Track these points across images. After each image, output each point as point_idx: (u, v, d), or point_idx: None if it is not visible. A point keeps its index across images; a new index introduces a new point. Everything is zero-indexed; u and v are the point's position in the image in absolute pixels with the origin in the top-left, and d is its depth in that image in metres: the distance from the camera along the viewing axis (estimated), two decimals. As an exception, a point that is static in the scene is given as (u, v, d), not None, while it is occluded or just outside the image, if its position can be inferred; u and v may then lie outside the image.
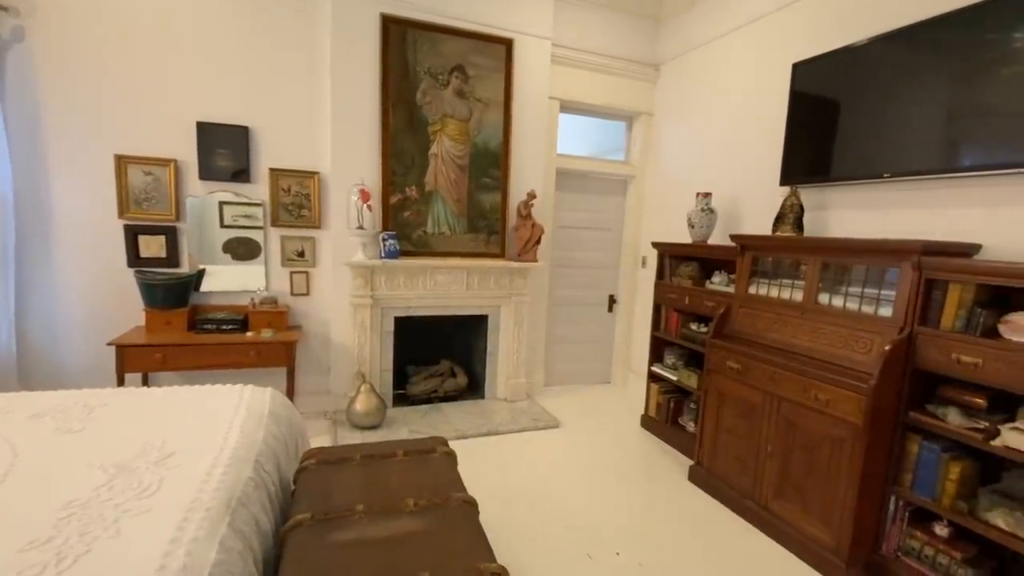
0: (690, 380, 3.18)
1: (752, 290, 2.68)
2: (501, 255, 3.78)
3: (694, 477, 2.83)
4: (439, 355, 4.07)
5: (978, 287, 1.84)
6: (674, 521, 2.46)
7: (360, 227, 3.21)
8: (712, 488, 2.70)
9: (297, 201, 3.37)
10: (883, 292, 2.09)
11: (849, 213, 2.63)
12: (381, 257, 3.36)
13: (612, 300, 4.50)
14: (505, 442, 3.24)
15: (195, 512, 1.22)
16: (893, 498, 2.05)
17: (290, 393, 3.03)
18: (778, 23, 3.09)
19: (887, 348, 1.96)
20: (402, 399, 3.76)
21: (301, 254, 3.44)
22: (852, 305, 2.19)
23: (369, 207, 3.22)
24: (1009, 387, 1.71)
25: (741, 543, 2.31)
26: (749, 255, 2.71)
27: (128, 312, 3.07)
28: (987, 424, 1.82)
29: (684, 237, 3.46)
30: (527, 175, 3.82)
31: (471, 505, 1.61)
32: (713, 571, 2.10)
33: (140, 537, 1.13)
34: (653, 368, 3.55)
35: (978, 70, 2.07)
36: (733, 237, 2.74)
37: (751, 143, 3.24)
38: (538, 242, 3.72)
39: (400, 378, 3.80)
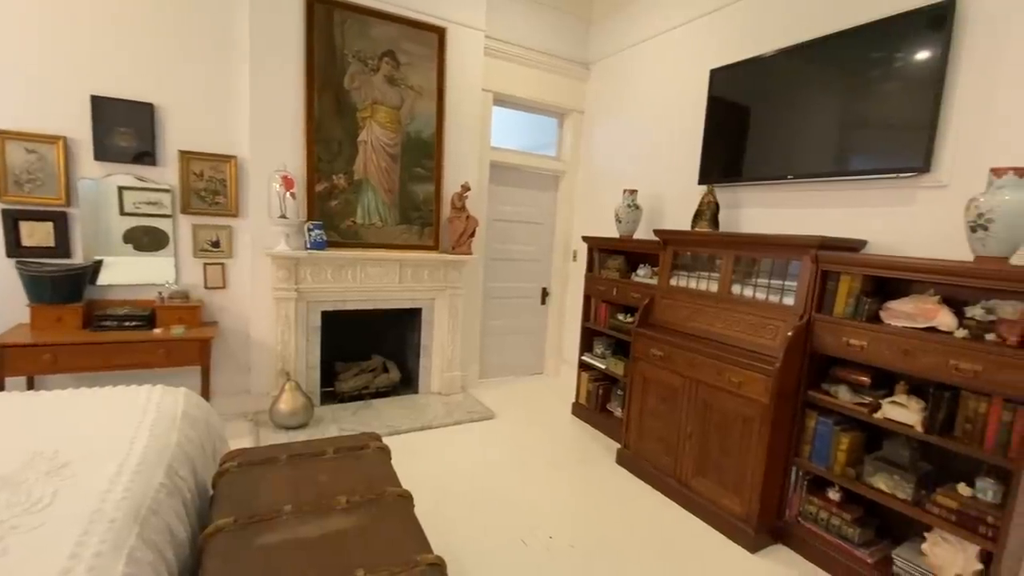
0: (617, 368, 3.33)
1: (674, 282, 2.85)
2: (435, 247, 3.74)
3: (621, 460, 2.98)
4: (371, 350, 3.96)
5: (864, 278, 2.08)
6: (603, 503, 2.57)
7: (283, 216, 3.04)
8: (638, 469, 2.85)
9: (212, 187, 3.12)
10: (787, 283, 2.31)
11: (758, 211, 2.87)
12: (307, 248, 3.20)
13: (545, 292, 4.60)
14: (440, 436, 3.23)
15: (97, 524, 1.11)
16: (794, 468, 2.28)
17: (205, 394, 2.82)
18: (698, 31, 3.29)
19: (790, 334, 2.16)
20: (331, 397, 3.62)
21: (216, 244, 3.19)
22: (761, 295, 2.40)
23: (292, 195, 3.05)
24: (888, 366, 1.95)
25: (663, 519, 2.46)
26: (671, 249, 2.88)
27: (10, 308, 2.70)
28: (871, 399, 2.07)
29: (612, 232, 3.61)
30: (461, 167, 3.80)
31: (406, 498, 1.59)
32: (637, 547, 2.23)
33: (32, 555, 1.01)
34: (583, 357, 3.68)
35: (864, 84, 2.33)
36: (656, 232, 2.89)
37: (673, 144, 3.43)
38: (472, 235, 3.71)
39: (329, 375, 3.65)
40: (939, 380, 1.81)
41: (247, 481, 1.60)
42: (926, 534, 1.96)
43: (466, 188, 3.64)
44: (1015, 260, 1.78)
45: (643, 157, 3.71)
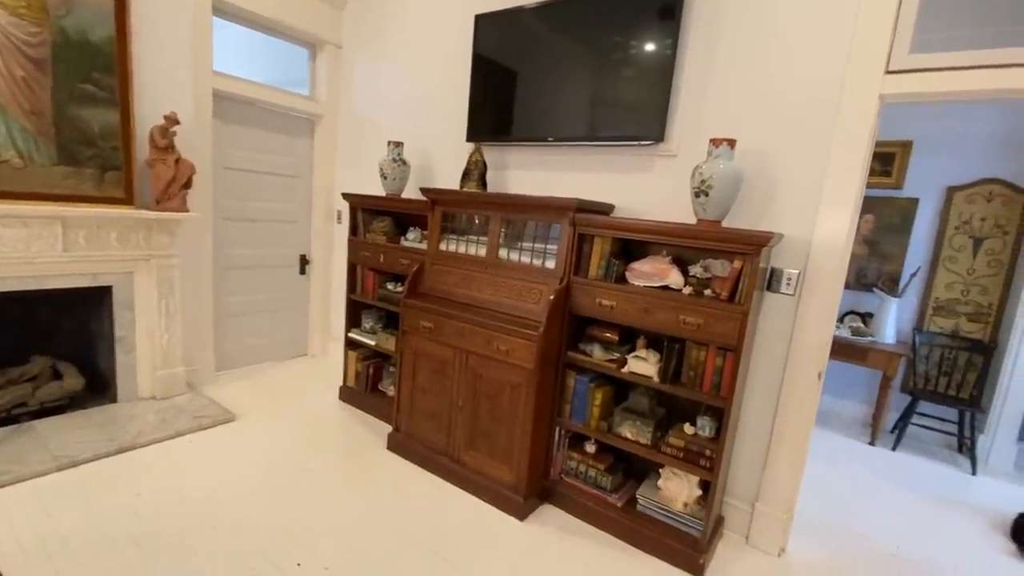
0: (388, 343, 2.99)
1: (444, 246, 2.60)
2: (128, 201, 2.71)
3: (392, 444, 2.68)
4: (27, 350, 2.74)
5: (613, 240, 2.14)
6: (368, 501, 2.24)
7: None
8: (410, 452, 2.60)
9: None
10: (549, 247, 2.26)
11: (523, 173, 2.80)
12: None
13: (304, 260, 3.91)
14: (150, 456, 2.41)
15: None
16: (558, 428, 2.32)
17: None
18: (463, -31, 2.99)
19: (551, 297, 2.12)
20: (-52, 427, 2.38)
21: None
22: (526, 259, 2.32)
23: None
24: (633, 323, 2.05)
25: (435, 504, 2.26)
26: (439, 210, 2.61)
27: None
28: (619, 355, 2.18)
29: (379, 189, 3.17)
30: (165, 91, 2.81)
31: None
32: (405, 546, 1.98)
33: None
34: (350, 334, 3.22)
35: (609, 61, 2.37)
36: (423, 191, 2.58)
37: (441, 96, 3.13)
38: (188, 185, 2.81)
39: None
40: (671, 334, 1.97)
41: None
42: (660, 471, 2.19)
43: (173, 120, 2.70)
44: (725, 223, 2.01)
45: (410, 107, 3.32)
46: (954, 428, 3.46)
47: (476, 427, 2.35)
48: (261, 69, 3.51)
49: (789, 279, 2.05)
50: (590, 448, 2.30)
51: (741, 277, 1.84)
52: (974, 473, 3.14)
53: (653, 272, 2.08)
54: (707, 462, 1.95)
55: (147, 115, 2.73)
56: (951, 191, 3.53)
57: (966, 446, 3.39)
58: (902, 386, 3.71)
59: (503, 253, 2.38)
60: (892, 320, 3.56)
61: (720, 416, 1.98)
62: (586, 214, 2.15)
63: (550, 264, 2.24)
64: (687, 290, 1.98)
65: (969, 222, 3.49)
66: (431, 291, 2.58)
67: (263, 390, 3.31)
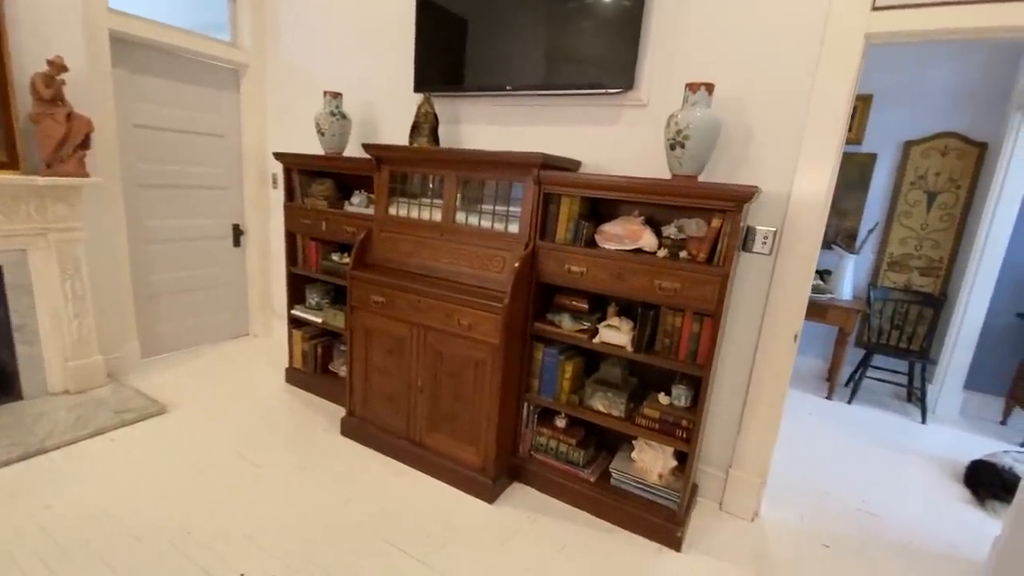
0: (337, 320, 2.73)
1: (393, 211, 2.34)
2: (12, 165, 2.28)
3: (347, 429, 2.47)
4: (-101, 345, 2.32)
5: (582, 200, 1.95)
6: (321, 492, 2.04)
7: None
8: (367, 437, 2.40)
9: None
10: (512, 209, 2.05)
11: (482, 128, 2.53)
12: None
13: (238, 231, 3.53)
14: (62, 462, 2.10)
15: None
16: (526, 404, 2.17)
17: None
18: None
19: (516, 265, 1.92)
20: None
21: None
22: (487, 223, 2.10)
23: None
24: (605, 290, 1.89)
25: (397, 491, 2.09)
26: (386, 170, 2.33)
27: None
28: (589, 324, 2.02)
29: (318, 148, 2.83)
30: (47, 31, 2.34)
31: None
32: (364, 543, 1.80)
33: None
34: (294, 311, 2.93)
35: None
36: (366, 147, 2.28)
37: (384, 41, 2.78)
38: (85, 145, 2.39)
39: None
40: (646, 300, 1.82)
41: None
42: (634, 442, 2.09)
43: (58, 67, 2.26)
44: (701, 179, 1.85)
45: (349, 54, 2.95)
46: (904, 379, 3.58)
47: (439, 408, 2.17)
48: (174, 11, 3.02)
49: (765, 238, 1.93)
50: (560, 423, 2.17)
51: (720, 236, 1.70)
52: (924, 422, 3.26)
53: (625, 234, 1.91)
54: (684, 433, 1.86)
55: (26, 61, 2.28)
56: (908, 146, 3.53)
57: (916, 396, 3.53)
58: (856, 340, 3.79)
59: (461, 217, 2.15)
60: (850, 276, 3.59)
61: (696, 384, 1.87)
62: (552, 171, 1.93)
63: (513, 228, 2.03)
64: (662, 253, 1.83)
65: (924, 177, 3.51)
66: (381, 261, 2.33)
67: (199, 376, 2.99)
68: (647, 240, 1.88)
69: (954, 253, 3.47)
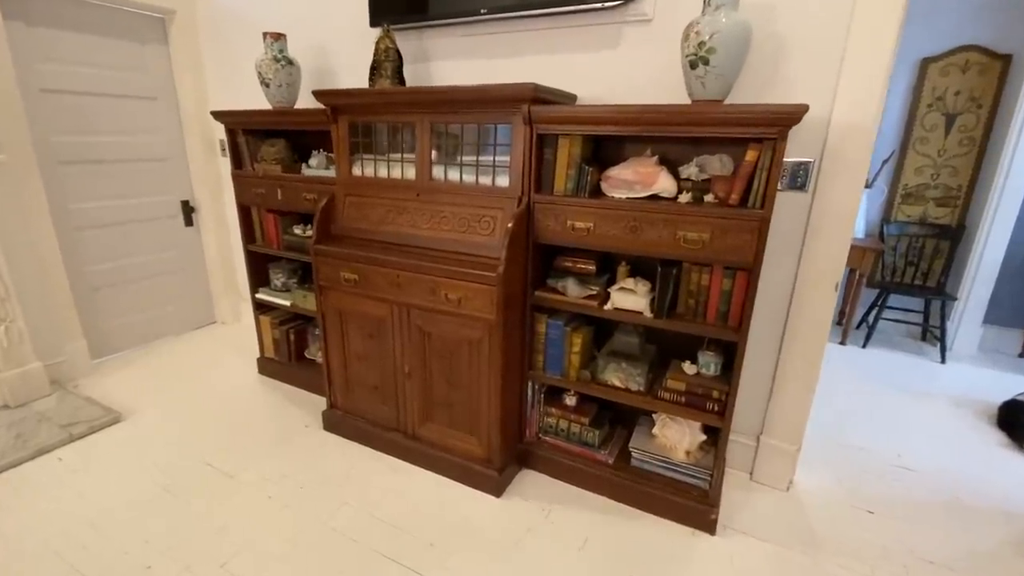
0: (308, 302, 2.41)
1: (357, 171, 1.99)
2: None
3: (330, 424, 2.20)
4: None
5: (584, 141, 1.62)
6: (305, 499, 1.79)
7: None
8: (353, 431, 2.14)
9: None
10: (499, 159, 1.71)
11: (455, 64, 2.15)
12: None
13: (188, 208, 3.12)
14: (3, 488, 1.81)
15: None
16: (530, 383, 1.91)
17: None
18: None
19: (509, 225, 1.61)
20: None
21: None
22: (470, 177, 1.76)
23: None
24: (618, 248, 1.59)
25: (391, 491, 1.85)
26: (344, 121, 1.95)
27: None
28: (598, 289, 1.74)
29: (264, 103, 2.42)
30: None
31: None
32: (356, 557, 1.56)
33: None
34: (258, 295, 2.59)
35: None
36: (316, 95, 1.90)
37: (330, -35, 2.33)
38: (-27, 116, 1.97)
39: None
40: (667, 256, 1.53)
41: None
42: (654, 416, 1.86)
43: (-83, 16, 1.80)
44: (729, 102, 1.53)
45: (291, -12, 2.49)
46: (919, 318, 3.41)
47: (431, 395, 1.90)
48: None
49: (801, 171, 1.64)
50: (569, 401, 1.93)
51: (757, 171, 1.40)
52: (943, 361, 3.10)
53: (636, 179, 1.60)
54: (715, 405, 1.61)
55: None
56: (925, 63, 3.21)
57: (933, 335, 3.36)
58: (868, 280, 3.59)
59: (439, 173, 1.81)
60: (863, 213, 3.34)
61: (726, 350, 1.62)
62: (546, 106, 1.59)
63: (503, 181, 1.70)
64: (683, 198, 1.53)
65: (942, 98, 3.21)
66: (349, 232, 1.99)
67: (160, 375, 2.67)
68: (664, 184, 1.57)
69: (973, 180, 3.22)
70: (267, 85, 2.24)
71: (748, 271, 1.46)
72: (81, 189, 2.62)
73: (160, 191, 2.98)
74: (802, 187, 1.66)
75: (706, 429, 1.74)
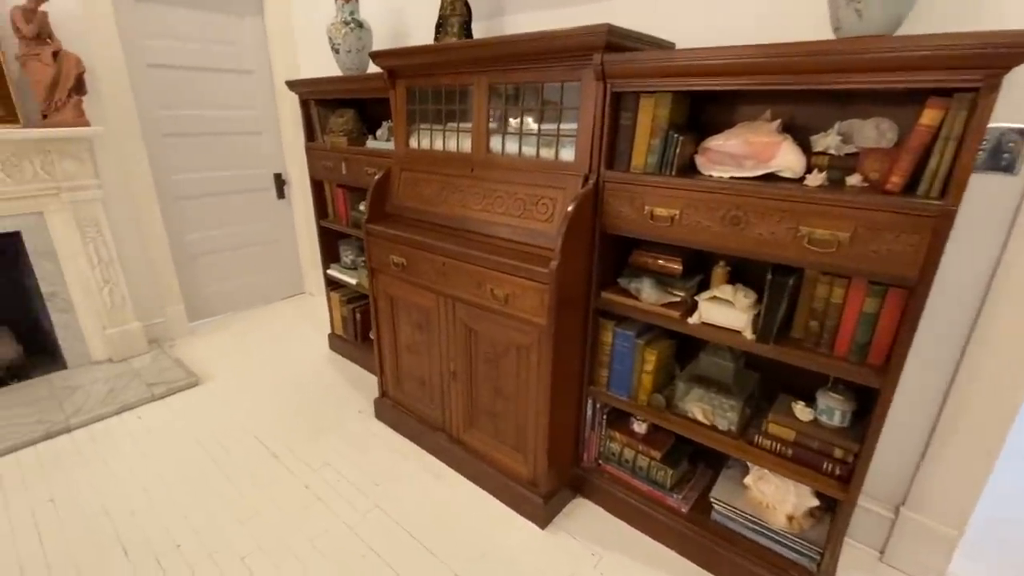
0: (369, 282, 2.30)
1: (414, 143, 1.78)
2: (9, 118, 2.04)
3: (380, 413, 2.09)
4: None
5: (675, 100, 1.22)
6: (339, 499, 1.68)
7: None
8: (401, 424, 2.00)
9: None
10: (564, 126, 1.39)
11: (532, 17, 1.83)
12: None
13: (280, 181, 3.20)
14: (83, 443, 1.94)
15: None
16: (591, 401, 1.59)
17: None
18: None
19: (569, 210, 1.29)
20: None
21: None
22: (530, 150, 1.46)
23: None
24: (709, 245, 1.20)
25: (428, 501, 1.67)
26: (401, 85, 1.75)
27: None
28: (684, 295, 1.36)
29: (335, 70, 2.32)
30: (17, -47, 2.00)
31: None
32: (377, 568, 1.40)
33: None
34: (329, 272, 2.56)
35: None
36: (373, 56, 1.70)
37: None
38: (80, 89, 2.09)
39: None
40: (783, 260, 1.11)
41: None
42: (749, 463, 1.44)
43: (31, -6, 1.92)
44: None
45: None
46: None
47: (476, 400, 1.67)
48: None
49: (1011, 144, 1.10)
50: (639, 427, 1.58)
51: (938, 141, 0.92)
52: None
53: (747, 152, 1.18)
54: (837, 468, 1.18)
55: (6, -9, 1.96)
56: None
57: None
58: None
59: (496, 144, 1.54)
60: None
61: (861, 393, 1.17)
62: (624, 53, 1.22)
63: (567, 155, 1.38)
64: (815, 179, 1.09)
65: None
66: (401, 211, 1.80)
67: (244, 342, 2.78)
68: (787, 159, 1.14)
69: None
70: (336, 51, 2.11)
71: (909, 290, 1.00)
72: (181, 161, 2.77)
73: (254, 164, 3.08)
74: (1008, 168, 1.12)
75: (820, 494, 1.30)
